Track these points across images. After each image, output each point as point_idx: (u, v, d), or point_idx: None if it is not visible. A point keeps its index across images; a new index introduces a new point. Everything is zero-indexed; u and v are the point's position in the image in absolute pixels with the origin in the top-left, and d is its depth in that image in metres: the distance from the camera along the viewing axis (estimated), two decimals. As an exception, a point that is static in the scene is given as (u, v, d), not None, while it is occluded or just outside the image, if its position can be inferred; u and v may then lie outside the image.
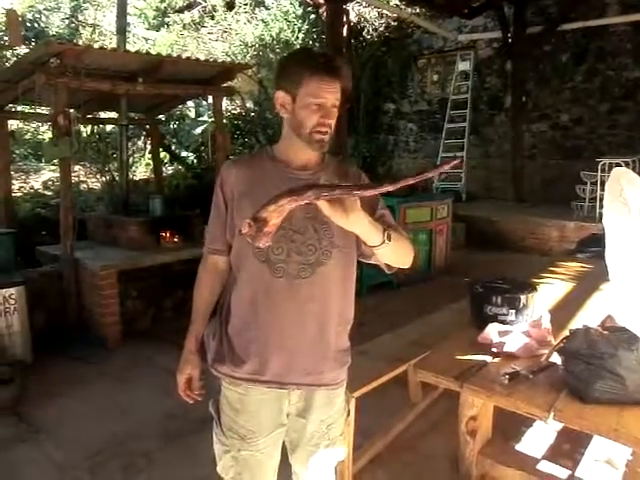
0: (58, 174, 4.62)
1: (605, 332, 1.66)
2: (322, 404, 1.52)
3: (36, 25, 10.60)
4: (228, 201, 1.46)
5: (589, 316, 2.33)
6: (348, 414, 1.65)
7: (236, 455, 1.48)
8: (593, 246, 4.21)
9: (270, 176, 1.44)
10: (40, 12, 11.10)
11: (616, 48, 7.84)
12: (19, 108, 5.11)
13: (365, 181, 1.55)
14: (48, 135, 8.30)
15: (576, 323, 2.22)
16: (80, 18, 11.74)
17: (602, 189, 5.42)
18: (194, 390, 1.56)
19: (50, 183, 7.56)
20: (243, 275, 1.45)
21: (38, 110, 5.20)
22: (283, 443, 1.58)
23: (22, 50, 6.95)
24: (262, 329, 1.44)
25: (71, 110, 4.28)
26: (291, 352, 1.44)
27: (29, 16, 10.57)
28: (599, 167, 6.57)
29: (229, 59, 9.50)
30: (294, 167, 1.45)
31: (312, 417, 1.51)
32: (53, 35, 10.38)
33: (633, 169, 6.35)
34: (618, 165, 6.02)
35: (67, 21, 11.59)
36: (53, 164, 7.33)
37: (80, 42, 9.54)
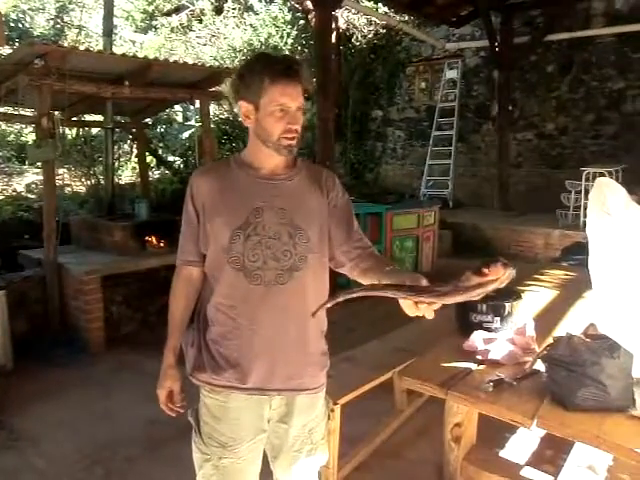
0: (42, 177, 4.58)
1: (588, 340, 1.68)
2: (303, 408, 1.51)
3: (20, 25, 10.47)
4: (199, 211, 1.45)
5: (572, 324, 2.35)
6: (329, 418, 1.65)
7: (217, 464, 1.46)
8: (577, 254, 4.26)
9: (240, 184, 1.44)
10: (24, 12, 10.97)
11: (601, 59, 7.96)
12: (2, 109, 5.04)
13: (338, 184, 1.56)
14: (32, 137, 8.21)
15: (560, 331, 2.24)
16: (66, 19, 11.62)
17: (586, 198, 5.49)
18: (176, 403, 1.53)
19: (33, 186, 7.47)
20: (220, 284, 1.44)
21: (21, 112, 5.14)
22: (264, 450, 1.57)
23: (5, 51, 6.88)
24: (242, 337, 1.43)
25: (56, 112, 4.24)
26: (272, 358, 1.44)
27: (13, 16, 10.44)
28: (583, 176, 6.65)
29: (217, 63, 9.49)
30: (264, 173, 1.45)
31: (294, 422, 1.51)
32: (37, 36, 10.27)
33: (616, 179, 6.45)
34: (602, 174, 6.10)
35: (52, 22, 11.47)
36: (37, 167, 7.25)
37: (65, 43, 9.47)
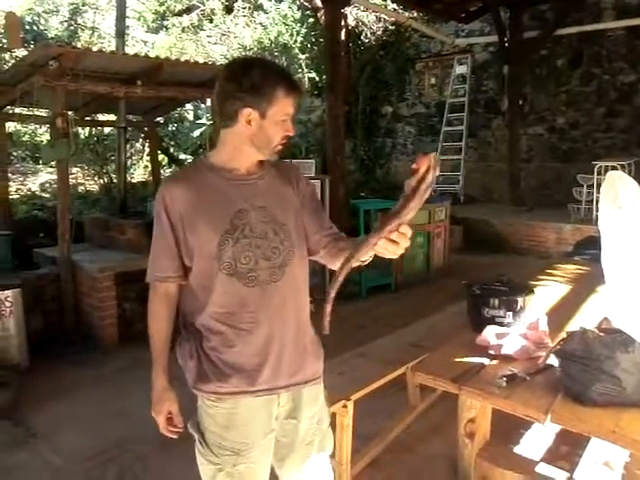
0: (56, 176, 4.63)
1: (602, 334, 1.67)
2: (309, 400, 1.52)
3: (35, 28, 10.57)
4: (175, 223, 1.40)
5: (586, 318, 2.33)
6: (328, 406, 1.66)
7: (231, 471, 1.43)
8: (590, 248, 4.22)
9: (217, 188, 1.42)
10: (39, 15, 11.09)
11: (611, 52, 7.89)
12: (17, 110, 5.11)
13: (302, 174, 1.59)
14: (46, 137, 8.31)
15: (573, 325, 2.23)
16: (79, 21, 11.73)
17: (598, 192, 5.45)
18: (178, 425, 1.50)
19: (47, 185, 7.56)
20: (214, 293, 1.40)
21: (36, 112, 5.21)
22: None
23: (21, 52, 6.96)
24: (244, 342, 1.41)
25: (69, 112, 4.28)
26: (276, 357, 1.43)
27: (28, 19, 10.55)
28: (595, 170, 6.60)
29: (228, 62, 9.50)
30: (239, 174, 1.44)
31: (302, 415, 1.51)
32: (52, 38, 10.36)
33: (629, 172, 6.39)
34: (614, 168, 6.05)
35: (66, 24, 11.58)
36: (51, 166, 7.33)
37: (79, 45, 9.56)
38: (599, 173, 6.53)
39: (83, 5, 11.85)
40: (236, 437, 1.43)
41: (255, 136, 1.40)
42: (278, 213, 1.44)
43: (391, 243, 1.17)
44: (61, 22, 11.61)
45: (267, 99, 1.36)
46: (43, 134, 8.90)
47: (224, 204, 1.40)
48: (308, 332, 1.53)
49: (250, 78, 1.38)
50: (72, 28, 11.49)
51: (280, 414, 1.49)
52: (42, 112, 5.16)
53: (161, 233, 1.43)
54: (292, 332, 1.46)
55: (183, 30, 11.36)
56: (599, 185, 6.10)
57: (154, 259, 1.47)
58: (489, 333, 2.06)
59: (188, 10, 12.01)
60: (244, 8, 11.07)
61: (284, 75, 1.41)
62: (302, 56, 10.13)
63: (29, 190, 7.46)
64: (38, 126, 8.54)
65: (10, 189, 5.58)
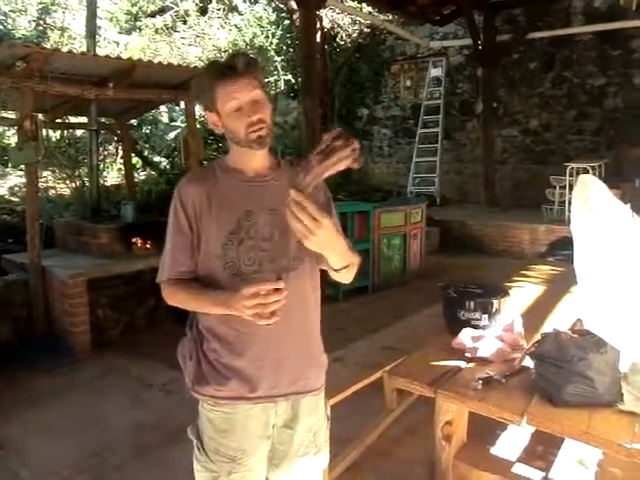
0: (25, 180, 4.52)
1: (575, 336, 1.68)
2: (308, 411, 1.49)
3: (1, 27, 10.34)
4: (192, 220, 1.40)
5: (560, 319, 2.36)
6: (328, 419, 1.63)
7: (226, 479, 1.41)
8: (563, 249, 4.30)
9: (228, 189, 1.41)
10: (6, 14, 10.83)
11: (581, 56, 8.05)
12: (-16, 112, 4.98)
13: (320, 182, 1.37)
14: (14, 140, 8.11)
15: (548, 326, 2.25)
16: (48, 21, 11.49)
17: (571, 193, 5.54)
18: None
19: (17, 189, 7.39)
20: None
21: (3, 114, 5.08)
22: None
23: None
24: (245, 345, 1.39)
25: (38, 114, 4.19)
26: (277, 364, 1.40)
27: (-6, 18, 10.34)
28: (567, 171, 6.72)
29: (202, 64, 9.44)
30: (249, 175, 1.43)
31: (299, 426, 1.48)
32: (19, 38, 10.12)
33: (599, 173, 6.53)
34: (585, 170, 6.17)
35: (34, 24, 11.34)
36: (20, 169, 7.16)
37: (48, 45, 9.37)
38: (571, 174, 6.64)
39: (52, 4, 11.62)
40: (233, 443, 1.41)
41: (227, 134, 1.41)
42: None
43: (294, 218, 1.07)
44: (29, 22, 11.35)
45: (209, 97, 1.36)
46: (11, 137, 8.71)
47: (233, 205, 1.39)
48: (315, 341, 1.51)
49: (195, 85, 1.45)
50: (41, 28, 11.24)
51: (277, 422, 1.46)
52: (10, 114, 5.04)
53: (178, 230, 1.42)
54: (297, 339, 1.43)
55: (156, 31, 11.22)
56: (571, 186, 6.21)
57: (173, 255, 1.42)
58: (465, 336, 2.07)
59: (161, 11, 11.87)
60: (218, 9, 10.99)
61: (213, 68, 1.40)
62: (278, 58, 10.11)
63: (-3, 194, 7.29)
64: (6, 128, 8.35)
65: (-22, 193, 5.45)
